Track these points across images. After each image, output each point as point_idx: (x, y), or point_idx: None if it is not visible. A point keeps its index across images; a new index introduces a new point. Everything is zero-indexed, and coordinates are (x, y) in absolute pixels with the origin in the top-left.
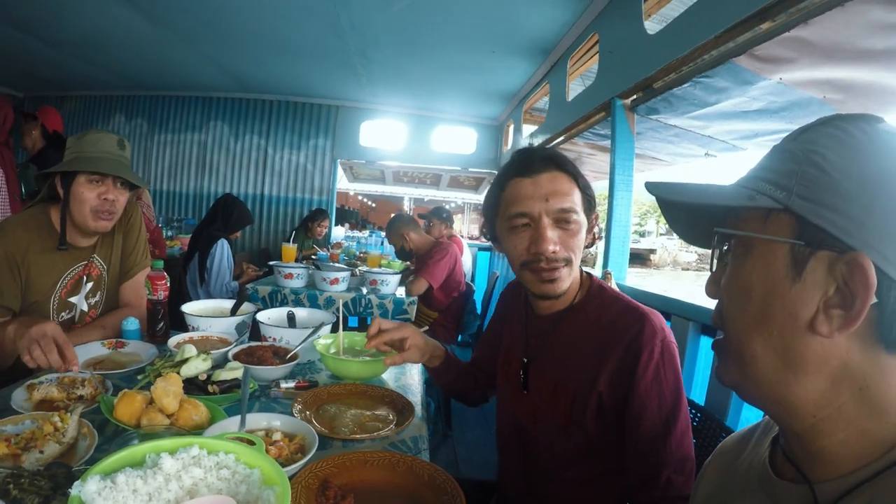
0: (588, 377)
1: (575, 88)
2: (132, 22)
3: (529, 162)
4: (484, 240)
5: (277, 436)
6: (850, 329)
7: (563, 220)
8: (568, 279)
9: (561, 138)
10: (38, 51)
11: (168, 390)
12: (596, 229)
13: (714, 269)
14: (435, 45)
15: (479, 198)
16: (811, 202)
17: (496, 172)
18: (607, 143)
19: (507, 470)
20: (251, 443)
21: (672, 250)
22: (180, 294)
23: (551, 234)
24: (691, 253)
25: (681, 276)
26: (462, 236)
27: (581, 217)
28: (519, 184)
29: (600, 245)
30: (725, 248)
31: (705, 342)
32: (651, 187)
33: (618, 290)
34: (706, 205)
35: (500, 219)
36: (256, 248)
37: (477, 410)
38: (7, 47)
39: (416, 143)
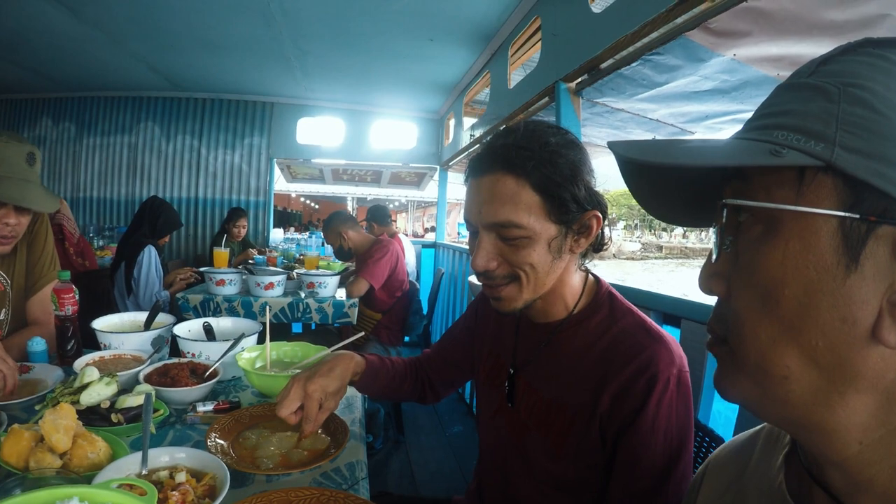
0: (588, 399)
1: (516, 78)
2: (56, 18)
3: (479, 159)
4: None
5: (182, 476)
6: None
7: (501, 234)
8: (519, 296)
9: (502, 128)
10: None
11: (58, 424)
12: (599, 232)
13: (716, 257)
14: (371, 33)
15: (422, 194)
16: (864, 155)
17: (437, 167)
18: None
19: (483, 489)
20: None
21: (616, 240)
22: (109, 307)
23: (487, 248)
24: (635, 242)
25: (623, 265)
26: (405, 234)
27: (533, 226)
28: (469, 185)
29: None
30: (729, 225)
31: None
32: (621, 148)
33: (629, 303)
34: (704, 167)
35: None
36: (192, 254)
37: (430, 413)
38: None
39: (355, 140)
